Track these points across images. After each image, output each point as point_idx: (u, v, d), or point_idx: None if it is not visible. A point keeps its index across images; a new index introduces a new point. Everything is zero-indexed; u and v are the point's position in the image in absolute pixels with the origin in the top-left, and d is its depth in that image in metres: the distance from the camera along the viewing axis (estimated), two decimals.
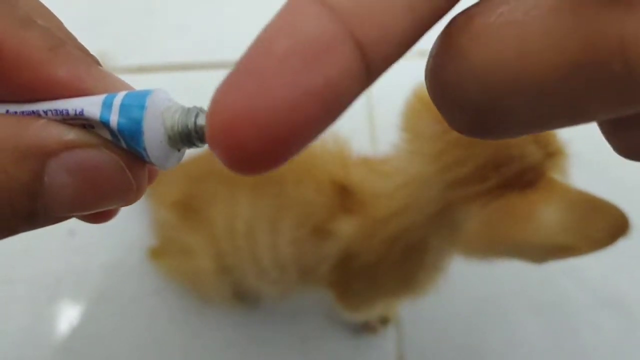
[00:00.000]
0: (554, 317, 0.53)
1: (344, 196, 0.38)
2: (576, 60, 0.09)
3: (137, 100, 0.13)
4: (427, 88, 0.11)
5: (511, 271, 0.35)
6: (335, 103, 0.10)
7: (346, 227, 0.37)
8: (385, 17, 0.10)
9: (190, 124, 0.13)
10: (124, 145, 0.13)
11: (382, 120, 0.61)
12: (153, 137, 0.13)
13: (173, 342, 0.52)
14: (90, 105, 0.13)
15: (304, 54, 0.09)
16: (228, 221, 0.41)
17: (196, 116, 0.13)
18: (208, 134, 0.10)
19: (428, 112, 0.33)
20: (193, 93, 0.58)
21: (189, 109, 0.13)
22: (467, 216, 0.32)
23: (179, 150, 0.14)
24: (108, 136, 0.13)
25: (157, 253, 0.50)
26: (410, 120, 0.35)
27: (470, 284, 0.54)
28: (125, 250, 0.55)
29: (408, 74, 0.34)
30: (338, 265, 0.40)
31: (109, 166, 0.13)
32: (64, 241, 0.55)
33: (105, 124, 0.13)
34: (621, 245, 0.28)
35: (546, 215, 0.29)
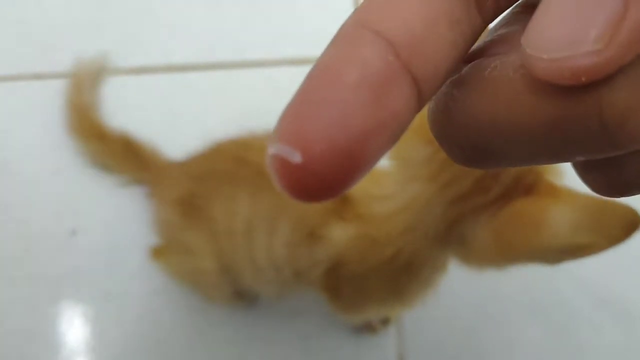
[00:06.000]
0: (553, 318, 0.53)
1: (340, 204, 0.38)
2: (557, 117, 0.10)
3: None
4: (429, 125, 0.12)
5: (511, 272, 0.35)
6: (398, 132, 0.10)
7: (338, 234, 0.38)
8: (436, 54, 0.10)
9: None
10: None
11: None
12: None
13: (175, 341, 0.52)
14: None
15: (373, 86, 0.10)
16: (228, 219, 0.41)
17: None
18: (277, 164, 0.10)
19: (413, 136, 0.33)
20: (193, 93, 0.58)
21: None
22: (476, 228, 0.32)
23: None
24: None
25: (159, 252, 0.50)
26: (397, 148, 0.35)
27: (470, 285, 0.54)
28: (127, 249, 0.55)
29: None
30: (329, 271, 0.40)
31: None
32: (65, 241, 0.55)
33: None
34: (620, 246, 0.28)
35: (558, 218, 0.29)
